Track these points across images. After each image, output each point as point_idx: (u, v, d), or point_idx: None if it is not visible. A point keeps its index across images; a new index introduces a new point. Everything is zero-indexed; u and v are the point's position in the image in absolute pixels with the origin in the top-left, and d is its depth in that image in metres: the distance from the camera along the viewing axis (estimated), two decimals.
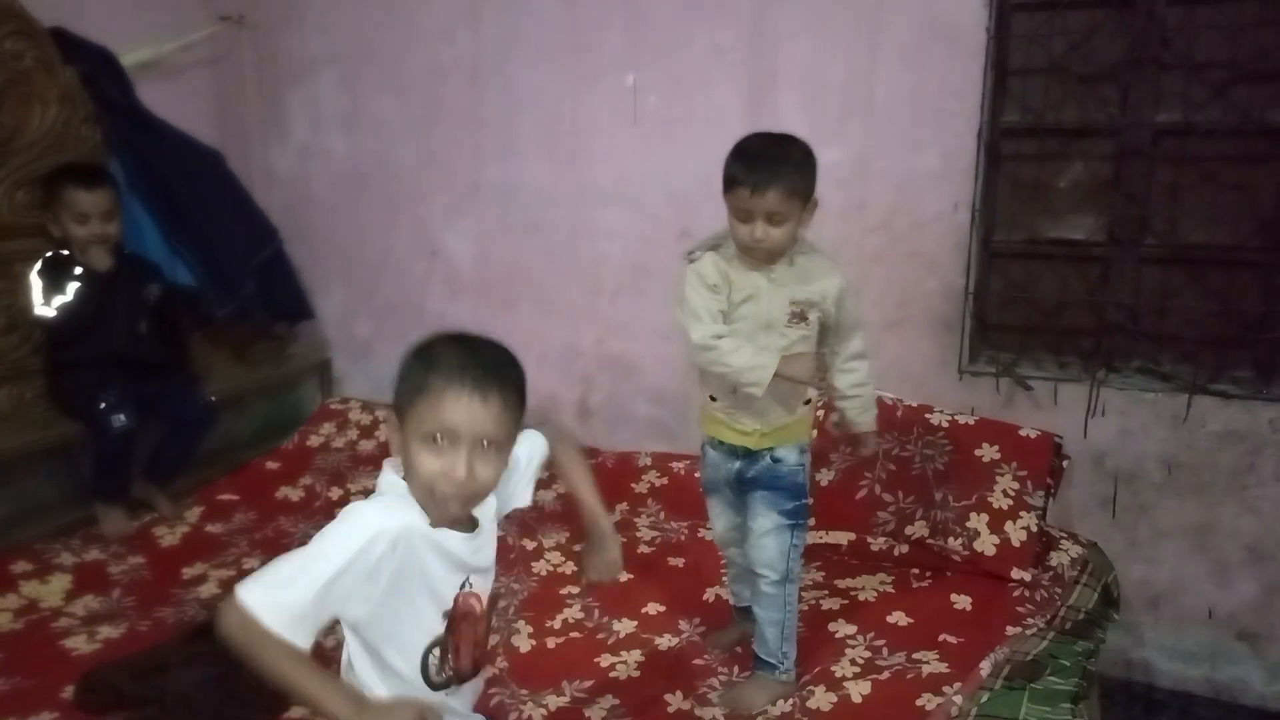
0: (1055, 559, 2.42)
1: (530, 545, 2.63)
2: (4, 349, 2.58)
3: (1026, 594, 2.30)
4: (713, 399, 2.02)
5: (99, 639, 2.15)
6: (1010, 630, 2.14)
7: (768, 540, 1.98)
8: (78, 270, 2.58)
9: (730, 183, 1.88)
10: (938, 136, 2.66)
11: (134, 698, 1.87)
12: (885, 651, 2.07)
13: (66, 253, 2.60)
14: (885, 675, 1.98)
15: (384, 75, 3.32)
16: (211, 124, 3.38)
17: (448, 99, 3.25)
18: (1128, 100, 2.56)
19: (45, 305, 2.55)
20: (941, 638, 2.10)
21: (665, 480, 2.94)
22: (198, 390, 2.83)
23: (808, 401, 2.02)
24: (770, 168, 1.82)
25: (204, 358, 3.09)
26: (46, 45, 2.72)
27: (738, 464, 2.02)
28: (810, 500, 2.07)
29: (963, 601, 2.28)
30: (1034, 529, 2.39)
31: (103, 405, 2.54)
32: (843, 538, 2.53)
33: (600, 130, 3.07)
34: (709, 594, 2.41)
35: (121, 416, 2.54)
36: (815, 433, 2.22)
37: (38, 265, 2.57)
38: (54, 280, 2.56)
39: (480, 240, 3.31)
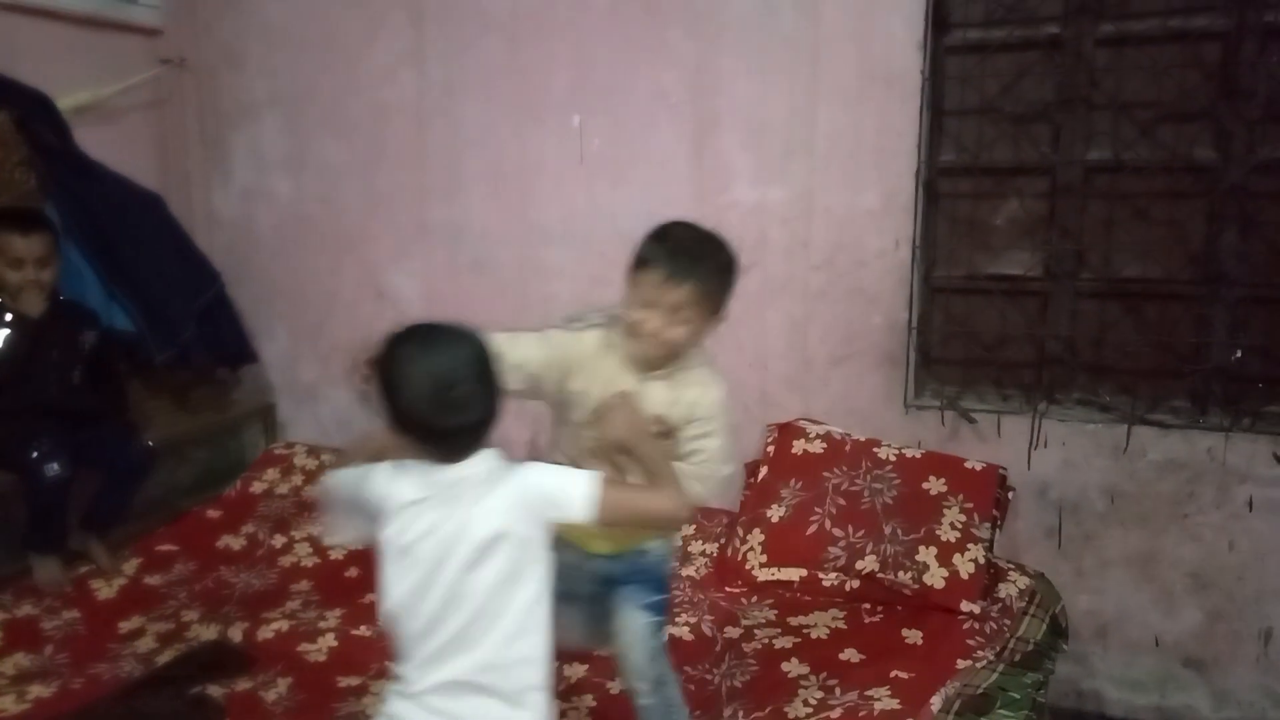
0: (1003, 590, 2.44)
1: None
2: None
3: (976, 626, 2.31)
4: None
5: (29, 699, 2.07)
6: (960, 663, 2.15)
7: (636, 646, 1.79)
8: (8, 317, 2.51)
9: (642, 264, 1.67)
10: (878, 175, 2.71)
11: None
12: (838, 690, 2.07)
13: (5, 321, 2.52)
14: (838, 713, 1.97)
15: (327, 117, 3.31)
16: (152, 167, 3.34)
17: (392, 140, 3.24)
18: (1059, 139, 2.63)
19: None
20: (893, 674, 2.10)
21: None
22: (135, 437, 2.76)
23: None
24: (693, 260, 1.65)
25: (143, 404, 3.01)
26: None
27: (599, 563, 1.80)
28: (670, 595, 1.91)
29: (913, 636, 2.29)
30: (981, 561, 2.41)
31: (35, 454, 2.47)
32: (794, 574, 2.53)
33: (546, 170, 3.08)
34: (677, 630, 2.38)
35: (55, 465, 2.46)
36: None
37: None
38: None
39: (428, 280, 3.29)
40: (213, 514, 2.95)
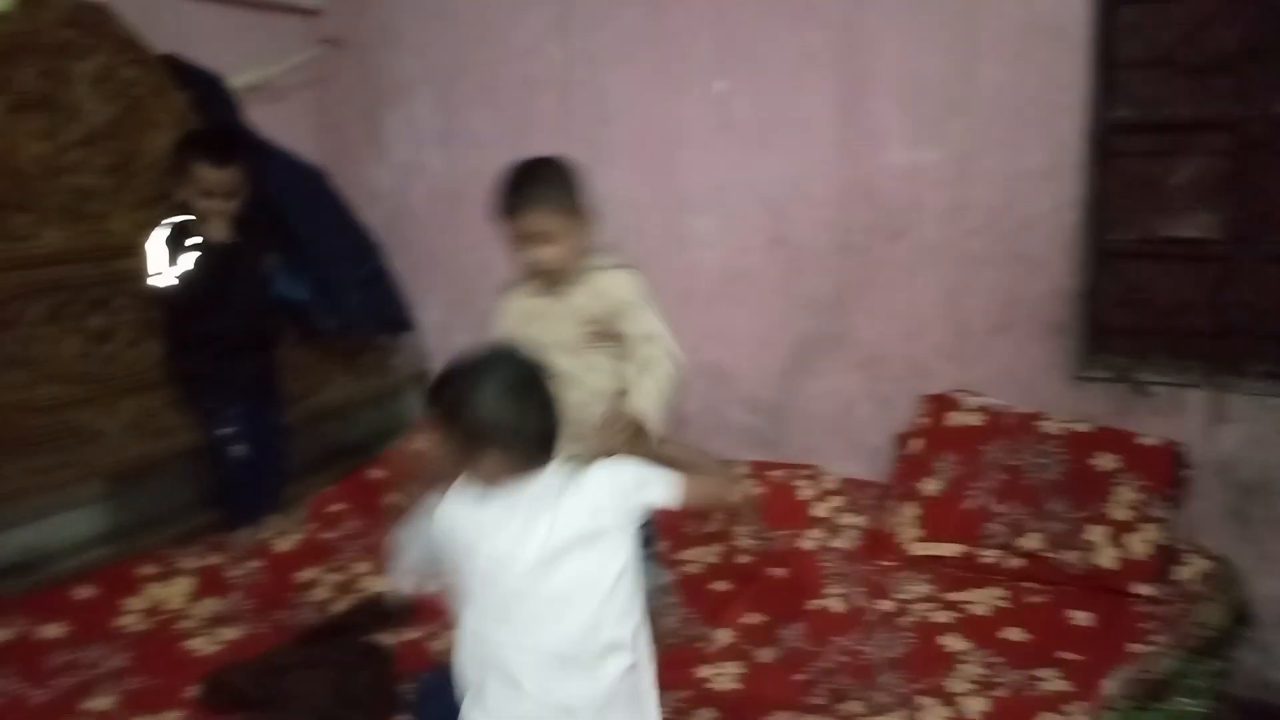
0: (1180, 573, 2.31)
1: None
2: (131, 361, 2.68)
3: (1150, 610, 2.20)
4: None
5: (220, 640, 2.23)
6: (1134, 648, 2.05)
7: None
8: (196, 240, 2.59)
9: (497, 215, 1.93)
10: (1043, 134, 2.57)
11: (254, 699, 1.92)
12: (1002, 668, 2.01)
13: (185, 220, 2.60)
14: (1002, 692, 1.92)
15: (478, 91, 3.37)
16: (314, 143, 3.48)
17: (539, 112, 3.28)
18: (1245, 91, 2.43)
19: (161, 275, 2.56)
20: (1061, 655, 2.03)
21: (763, 489, 2.91)
22: (283, 413, 2.90)
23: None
24: (521, 190, 1.87)
25: (313, 368, 3.17)
26: (160, 72, 2.83)
27: None
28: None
29: (1082, 617, 2.20)
30: (1158, 542, 2.29)
31: (224, 432, 2.65)
32: (951, 549, 2.46)
33: (691, 138, 3.06)
34: (811, 604, 2.37)
35: (241, 447, 2.65)
36: None
37: (158, 235, 2.58)
38: (173, 250, 2.58)
39: None
40: (376, 474, 3.08)
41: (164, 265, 2.56)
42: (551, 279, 1.92)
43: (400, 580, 1.59)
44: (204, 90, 2.97)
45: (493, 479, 1.43)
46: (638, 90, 3.10)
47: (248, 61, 3.22)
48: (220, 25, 3.18)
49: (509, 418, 1.40)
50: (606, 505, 1.46)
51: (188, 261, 2.57)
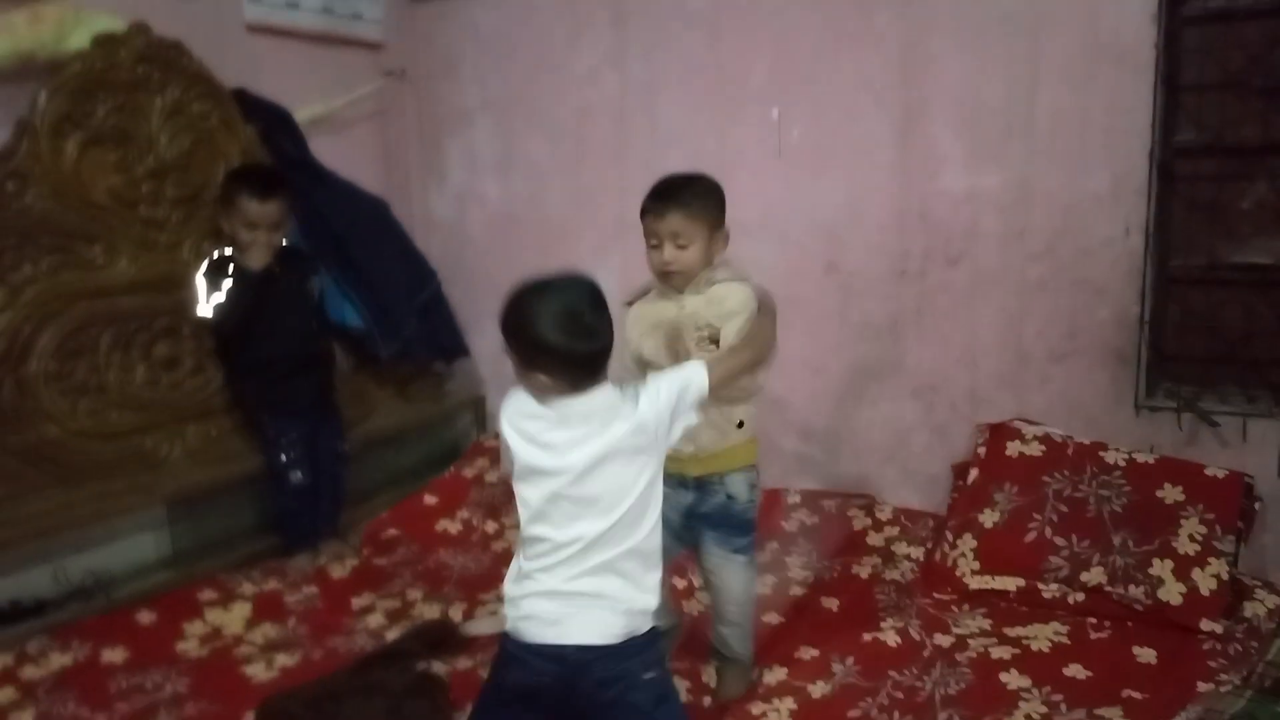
0: (1249, 609, 2.24)
1: (680, 584, 2.61)
2: (192, 389, 2.76)
3: (1218, 647, 2.13)
4: None
5: (276, 667, 2.26)
6: (1201, 686, 1.98)
7: (734, 583, 2.12)
8: (231, 269, 2.66)
9: (642, 215, 2.04)
10: (1105, 157, 2.53)
11: None
12: (1063, 706, 1.95)
13: (229, 252, 2.67)
14: None
15: (534, 119, 3.42)
16: (377, 173, 3.55)
17: (594, 139, 3.32)
18: None
19: (205, 305, 2.64)
20: (1125, 693, 1.96)
21: (816, 518, 2.88)
22: (342, 438, 2.94)
23: (740, 425, 2.06)
24: (671, 193, 2.00)
25: (370, 394, 3.23)
26: (229, 105, 2.91)
27: (689, 497, 2.06)
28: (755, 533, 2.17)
29: (1146, 654, 2.13)
30: (1225, 577, 2.22)
31: (283, 458, 2.72)
32: (1011, 583, 2.40)
33: (745, 163, 3.05)
34: (865, 637, 2.33)
35: (299, 474, 2.72)
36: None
37: (203, 266, 2.66)
38: (214, 281, 2.65)
39: (627, 275, 3.29)
40: (430, 500, 3.12)
41: (205, 295, 2.65)
42: (676, 283, 2.02)
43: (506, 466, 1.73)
44: (271, 123, 3.05)
45: (544, 395, 1.59)
46: (693, 117, 3.12)
47: (314, 94, 3.29)
48: (287, 59, 3.25)
49: (558, 344, 1.54)
50: (650, 425, 1.61)
51: (222, 293, 2.64)
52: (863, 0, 2.79)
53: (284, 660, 2.29)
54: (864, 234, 2.89)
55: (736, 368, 1.85)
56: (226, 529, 2.72)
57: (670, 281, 2.02)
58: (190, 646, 2.34)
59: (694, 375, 1.70)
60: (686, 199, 2.00)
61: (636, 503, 1.59)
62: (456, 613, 2.49)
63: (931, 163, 2.77)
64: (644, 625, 1.62)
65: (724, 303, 2.00)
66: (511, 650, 1.61)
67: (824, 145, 2.92)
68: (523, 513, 1.62)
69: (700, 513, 2.08)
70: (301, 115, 3.19)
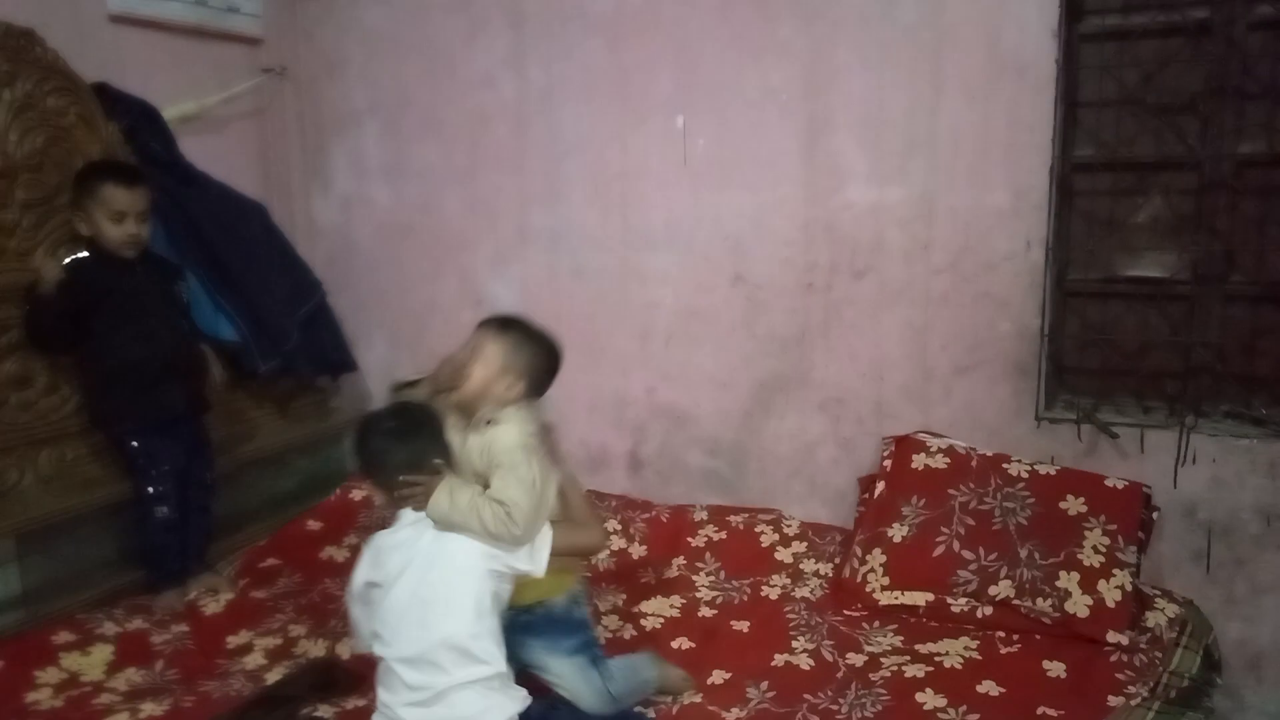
0: (1151, 619, 2.27)
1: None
2: (46, 409, 2.50)
3: (1124, 659, 2.14)
4: None
5: (141, 717, 2.03)
6: (1112, 700, 1.99)
7: (579, 688, 1.98)
8: (87, 253, 2.46)
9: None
10: (1007, 173, 2.55)
11: None
12: None
13: (91, 254, 2.47)
14: None
15: (427, 123, 3.27)
16: (254, 176, 3.34)
17: (492, 145, 3.19)
18: (1207, 131, 2.44)
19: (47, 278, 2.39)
20: (1040, 710, 1.95)
21: (724, 535, 2.81)
22: (210, 468, 2.72)
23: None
24: (499, 321, 2.03)
25: (246, 413, 3.01)
26: (89, 101, 2.68)
27: (517, 613, 1.99)
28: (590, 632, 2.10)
29: (1056, 668, 2.13)
30: (1128, 588, 2.24)
31: (150, 490, 2.51)
32: (920, 598, 2.38)
33: (649, 173, 2.98)
34: (778, 659, 2.27)
35: (165, 509, 2.51)
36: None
37: (63, 261, 2.43)
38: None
39: (527, 288, 3.22)
40: (314, 525, 2.92)
41: (52, 272, 2.40)
42: (461, 409, 1.97)
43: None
44: (136, 120, 2.82)
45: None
46: (595, 124, 3.02)
47: (184, 91, 3.08)
48: (155, 53, 3.03)
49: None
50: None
51: (65, 268, 2.41)
52: (768, 10, 2.75)
53: (151, 709, 2.06)
54: (770, 246, 2.85)
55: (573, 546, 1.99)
56: (84, 563, 2.47)
57: (457, 408, 1.98)
58: (43, 697, 2.10)
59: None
60: (503, 327, 2.00)
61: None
62: (344, 650, 2.30)
63: (837, 175, 2.74)
64: None
65: (486, 442, 1.92)
66: None
67: (730, 156, 2.87)
68: None
69: (520, 622, 1.99)
70: (170, 113, 2.97)
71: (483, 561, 1.83)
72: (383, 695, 1.81)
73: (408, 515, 1.89)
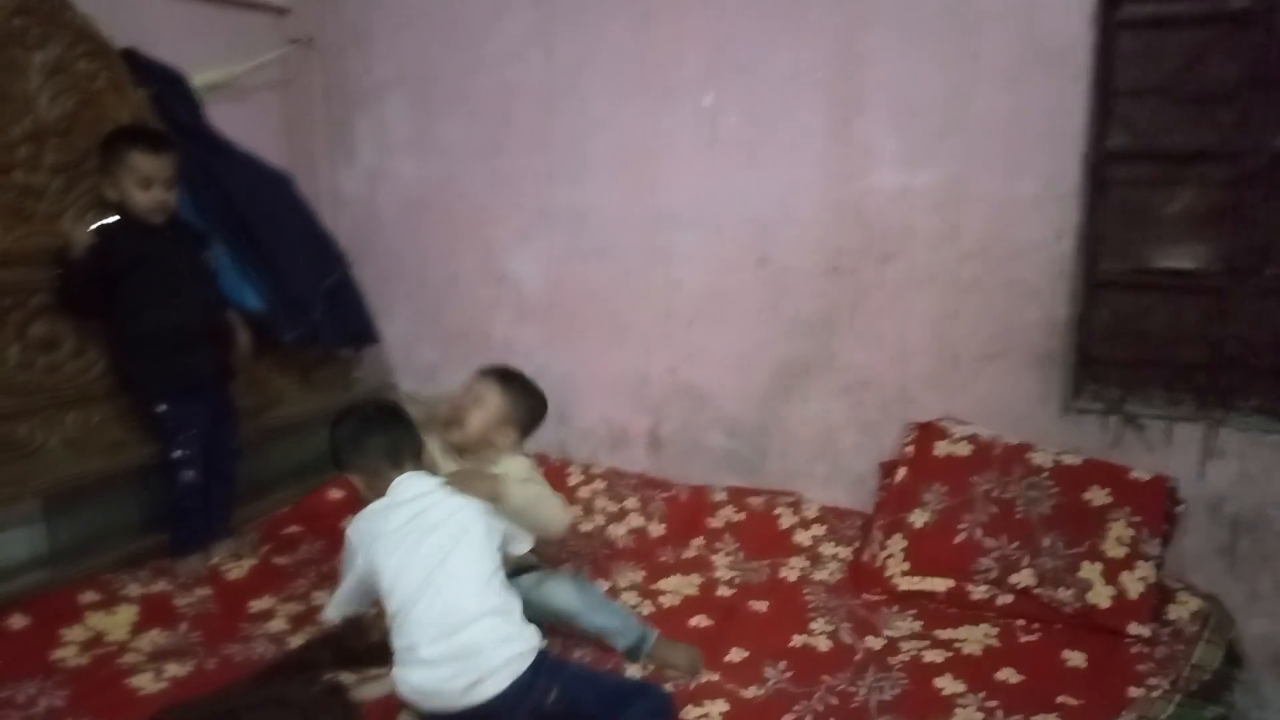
0: (1173, 612, 2.26)
1: (604, 586, 2.50)
2: (73, 372, 2.52)
3: (1145, 651, 2.13)
4: None
5: (165, 677, 2.06)
6: (1133, 692, 1.98)
7: (557, 587, 2.19)
8: (119, 218, 2.47)
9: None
10: (1039, 160, 2.52)
11: None
12: (1000, 713, 1.92)
13: (120, 220, 2.47)
14: None
15: (453, 98, 3.26)
16: (280, 146, 3.34)
17: (517, 121, 3.17)
18: (1245, 122, 2.40)
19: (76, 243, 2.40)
20: (1060, 699, 1.94)
21: (743, 516, 2.81)
22: (236, 433, 2.74)
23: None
24: (499, 372, 2.29)
25: (271, 381, 3.02)
26: (118, 66, 2.68)
27: None
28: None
29: (1076, 658, 2.12)
30: (1152, 580, 2.23)
31: (177, 454, 2.52)
32: (940, 584, 2.38)
33: (675, 152, 2.97)
34: (796, 640, 2.27)
35: (191, 472, 2.53)
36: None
37: (91, 227, 2.44)
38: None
39: (550, 265, 3.22)
40: (335, 494, 2.93)
41: (82, 236, 2.41)
42: (459, 445, 2.22)
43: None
44: (164, 87, 2.83)
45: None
46: (622, 102, 3.00)
47: (212, 59, 3.09)
48: (184, 20, 3.04)
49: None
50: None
51: (97, 233, 2.42)
52: None
53: (174, 670, 2.09)
54: (797, 229, 2.83)
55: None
56: (109, 525, 2.49)
57: (457, 442, 2.23)
58: (69, 654, 2.12)
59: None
60: (505, 377, 2.26)
61: None
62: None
63: (865, 159, 2.72)
64: None
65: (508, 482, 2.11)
66: None
67: (757, 137, 2.85)
68: None
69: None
70: (198, 80, 2.98)
71: (487, 523, 1.99)
72: (400, 642, 1.88)
73: (400, 494, 2.00)
